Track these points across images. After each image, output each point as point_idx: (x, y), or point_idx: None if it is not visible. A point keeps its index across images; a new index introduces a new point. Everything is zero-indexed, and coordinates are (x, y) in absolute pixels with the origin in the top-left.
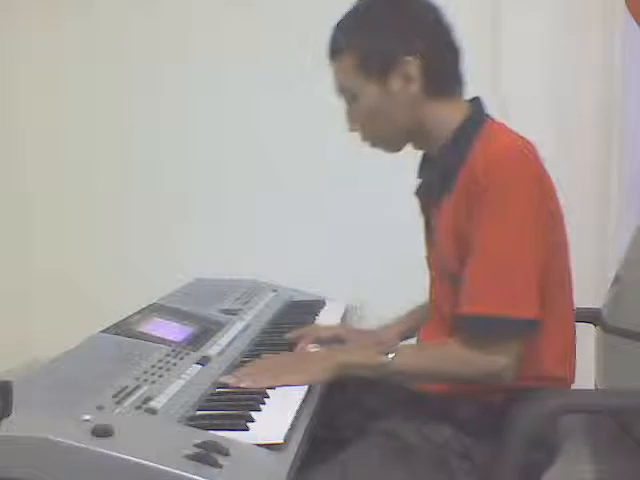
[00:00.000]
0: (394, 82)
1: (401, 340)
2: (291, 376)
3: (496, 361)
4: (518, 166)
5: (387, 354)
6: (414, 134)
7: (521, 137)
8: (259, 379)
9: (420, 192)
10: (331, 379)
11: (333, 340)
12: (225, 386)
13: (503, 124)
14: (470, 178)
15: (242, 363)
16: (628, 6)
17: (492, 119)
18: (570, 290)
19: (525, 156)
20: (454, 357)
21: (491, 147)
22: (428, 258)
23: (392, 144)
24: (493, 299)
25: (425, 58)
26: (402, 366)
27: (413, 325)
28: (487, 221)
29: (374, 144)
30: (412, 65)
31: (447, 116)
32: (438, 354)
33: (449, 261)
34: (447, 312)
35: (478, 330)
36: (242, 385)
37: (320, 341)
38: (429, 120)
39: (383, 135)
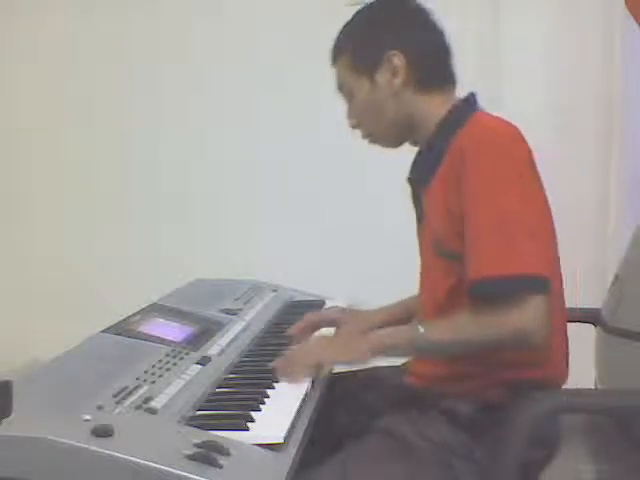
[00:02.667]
0: (381, 75)
1: (382, 326)
2: (333, 354)
3: (515, 320)
4: (507, 139)
5: (417, 328)
6: (405, 128)
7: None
8: (304, 360)
9: (411, 180)
10: (369, 361)
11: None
12: (268, 372)
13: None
14: (457, 154)
15: (242, 363)
16: (628, 6)
17: (482, 111)
18: (560, 282)
19: (515, 132)
20: (477, 323)
21: (477, 126)
22: (421, 246)
23: (386, 139)
24: (498, 260)
25: (410, 52)
26: (434, 337)
27: (397, 315)
28: (479, 186)
29: (372, 140)
30: (397, 58)
31: (435, 108)
32: (464, 322)
33: (443, 237)
34: (443, 294)
35: (489, 293)
36: (289, 370)
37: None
38: (416, 112)
39: (377, 130)
